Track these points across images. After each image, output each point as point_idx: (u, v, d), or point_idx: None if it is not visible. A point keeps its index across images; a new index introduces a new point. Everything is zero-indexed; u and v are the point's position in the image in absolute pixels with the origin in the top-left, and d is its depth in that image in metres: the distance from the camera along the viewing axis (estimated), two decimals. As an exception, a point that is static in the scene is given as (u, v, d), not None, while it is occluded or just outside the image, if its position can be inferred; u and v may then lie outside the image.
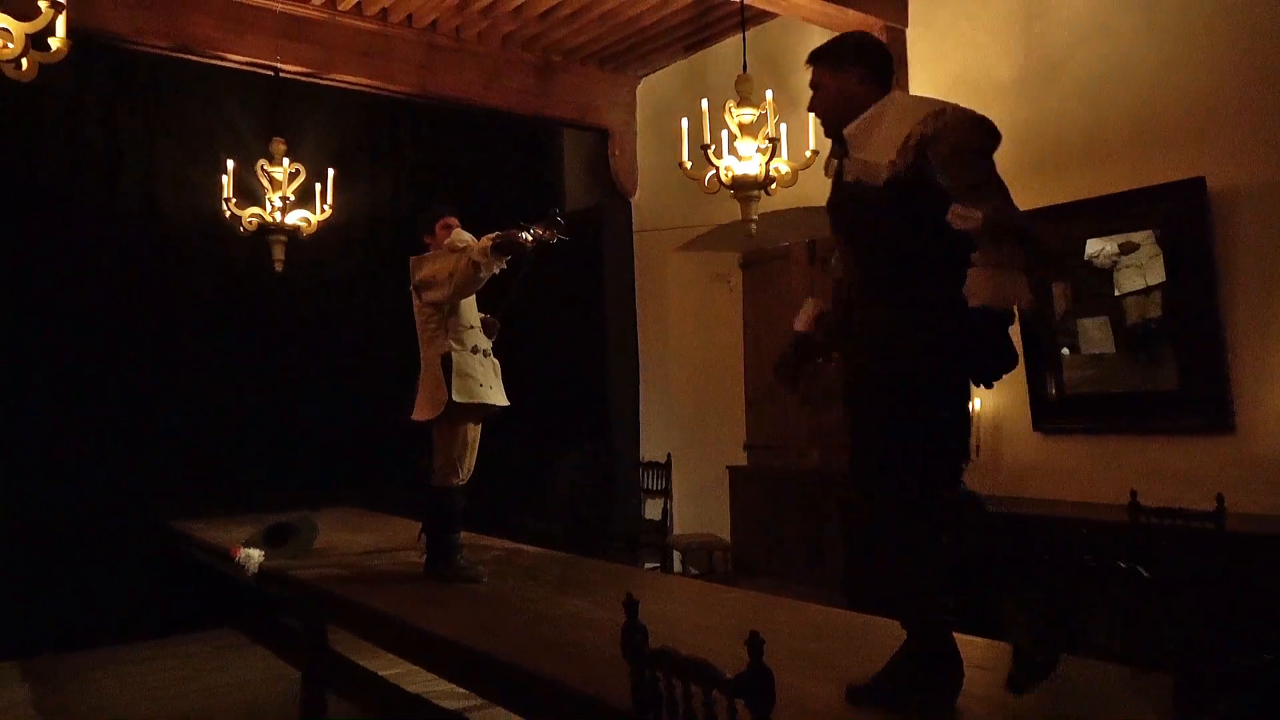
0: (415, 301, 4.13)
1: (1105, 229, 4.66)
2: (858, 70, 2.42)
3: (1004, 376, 2.21)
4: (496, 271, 3.94)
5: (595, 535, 6.86)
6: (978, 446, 5.03)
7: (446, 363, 3.96)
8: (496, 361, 4.19)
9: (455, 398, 3.90)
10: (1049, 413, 4.95)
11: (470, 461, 4.11)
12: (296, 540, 4.68)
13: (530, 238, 3.80)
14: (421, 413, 4.03)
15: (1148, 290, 4.57)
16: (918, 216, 2.19)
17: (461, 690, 3.65)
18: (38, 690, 4.86)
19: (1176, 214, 4.38)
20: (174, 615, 5.85)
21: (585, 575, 4.04)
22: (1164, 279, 4.47)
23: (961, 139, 2.21)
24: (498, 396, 4.07)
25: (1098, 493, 4.57)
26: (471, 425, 4.10)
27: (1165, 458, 4.41)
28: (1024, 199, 4.99)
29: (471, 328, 4.13)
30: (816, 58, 2.49)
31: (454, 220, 4.19)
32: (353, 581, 3.98)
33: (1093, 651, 2.51)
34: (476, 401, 3.97)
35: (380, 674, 4.77)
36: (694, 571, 7.06)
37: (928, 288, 2.17)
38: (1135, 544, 3.59)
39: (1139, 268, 4.61)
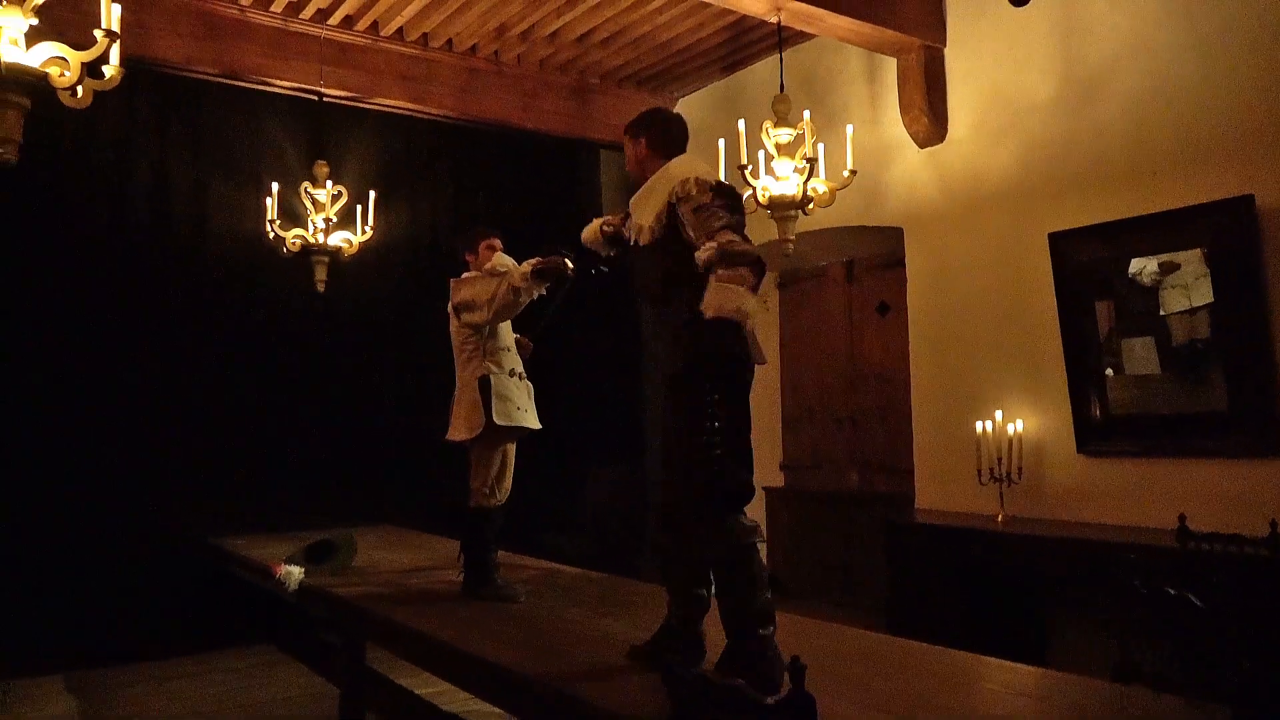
0: (453, 322, 4.16)
1: (1150, 248, 4.59)
2: (645, 139, 3.00)
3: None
4: (535, 297, 3.99)
5: (629, 555, 6.84)
6: (1019, 468, 4.95)
7: (485, 385, 4.00)
8: (530, 384, 4.24)
9: (496, 420, 3.95)
10: (1093, 434, 4.86)
11: (507, 482, 4.16)
12: (336, 558, 4.72)
13: (571, 266, 3.85)
14: (458, 433, 4.07)
15: (1195, 310, 4.48)
16: (676, 261, 2.76)
17: (499, 711, 3.64)
18: (83, 703, 4.94)
19: (1224, 232, 4.30)
20: (216, 631, 5.92)
21: (623, 596, 4.03)
22: (1212, 298, 4.39)
23: (699, 200, 2.73)
24: (532, 419, 4.14)
25: (1144, 517, 4.48)
26: (508, 446, 4.15)
27: (1214, 481, 4.31)
28: (1065, 217, 4.98)
29: (508, 350, 4.16)
30: (625, 127, 3.14)
31: (497, 241, 4.24)
32: (392, 600, 4.01)
33: (1145, 681, 2.44)
34: (515, 424, 4.02)
35: (418, 693, 4.79)
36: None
37: (683, 309, 2.71)
38: (1185, 570, 3.50)
39: (1185, 287, 4.53)
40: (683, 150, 2.99)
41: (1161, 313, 4.59)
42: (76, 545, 5.55)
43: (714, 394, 2.57)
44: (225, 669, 5.59)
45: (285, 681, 5.37)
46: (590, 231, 3.40)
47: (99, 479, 5.69)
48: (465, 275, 4.22)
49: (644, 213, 2.85)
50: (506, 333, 4.20)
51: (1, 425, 5.42)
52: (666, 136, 2.99)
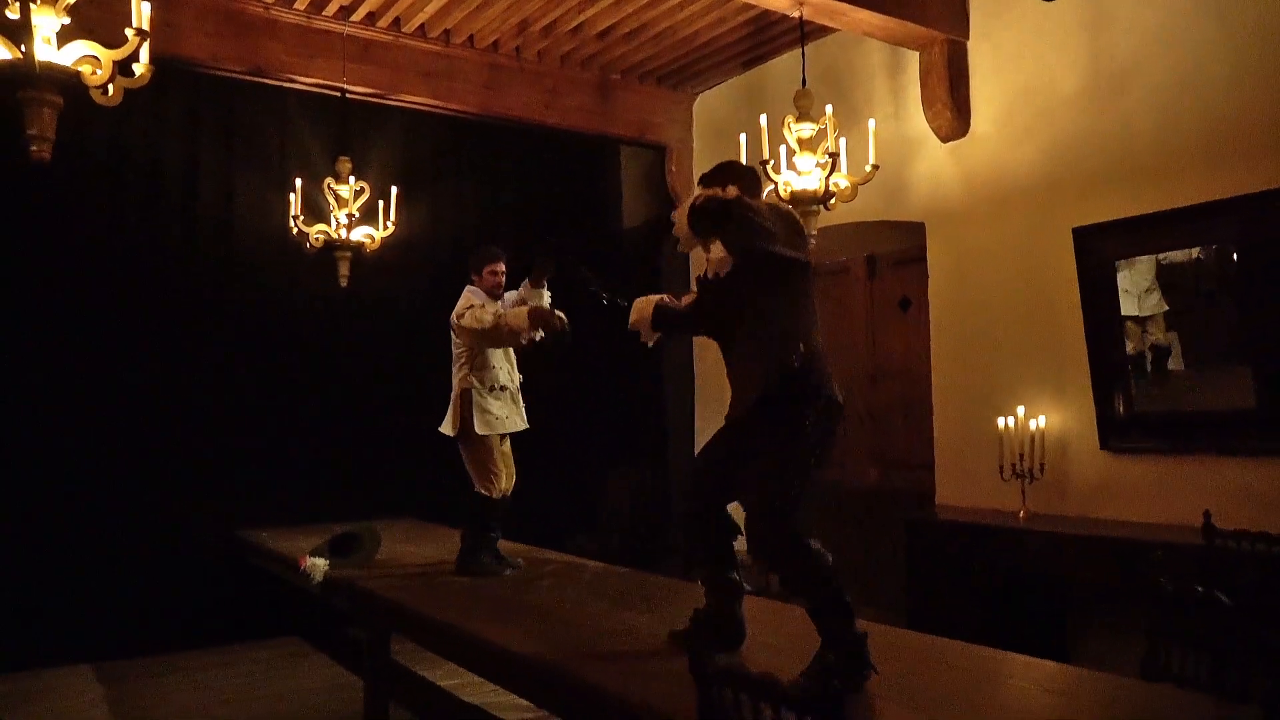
0: (453, 331, 4.49)
1: (1178, 242, 4.55)
2: (736, 186, 2.86)
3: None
4: (536, 338, 4.31)
5: (651, 552, 6.85)
6: (1042, 465, 4.92)
7: (466, 398, 4.42)
8: (514, 390, 4.59)
9: (477, 430, 4.39)
10: (1117, 432, 4.82)
11: (504, 474, 4.50)
12: (360, 551, 4.76)
13: (561, 323, 4.18)
14: (446, 428, 4.52)
15: (1223, 305, 4.44)
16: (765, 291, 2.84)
17: (524, 702, 3.67)
18: (113, 692, 5.01)
19: (1253, 227, 4.25)
20: (242, 623, 6.00)
21: (646, 590, 4.04)
22: (1241, 294, 4.35)
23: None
24: (513, 424, 4.53)
25: (1169, 514, 4.45)
26: (495, 444, 4.49)
27: (1241, 479, 4.27)
28: (1090, 213, 4.95)
29: (494, 367, 4.50)
30: (702, 179, 3.07)
31: (500, 266, 4.55)
32: (416, 592, 4.04)
33: (1173, 680, 2.43)
34: (494, 433, 4.45)
35: (441, 684, 4.83)
36: (749, 588, 7.00)
37: (774, 340, 2.83)
38: (1211, 568, 3.48)
39: (1213, 282, 4.49)
40: (758, 196, 2.95)
41: (1188, 309, 4.55)
42: (105, 538, 5.63)
43: (807, 426, 2.68)
44: (251, 660, 5.66)
45: (310, 673, 5.43)
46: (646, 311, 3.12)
47: (128, 473, 5.76)
48: (469, 291, 4.51)
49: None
50: (495, 352, 4.53)
51: (33, 420, 5.51)
52: (741, 179, 2.96)
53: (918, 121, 5.77)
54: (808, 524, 2.71)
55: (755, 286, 2.72)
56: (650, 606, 3.64)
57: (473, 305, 4.37)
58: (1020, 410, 5.07)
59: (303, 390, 6.40)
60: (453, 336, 4.49)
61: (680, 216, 2.75)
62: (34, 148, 3.19)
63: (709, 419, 7.56)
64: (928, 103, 5.61)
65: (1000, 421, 5.09)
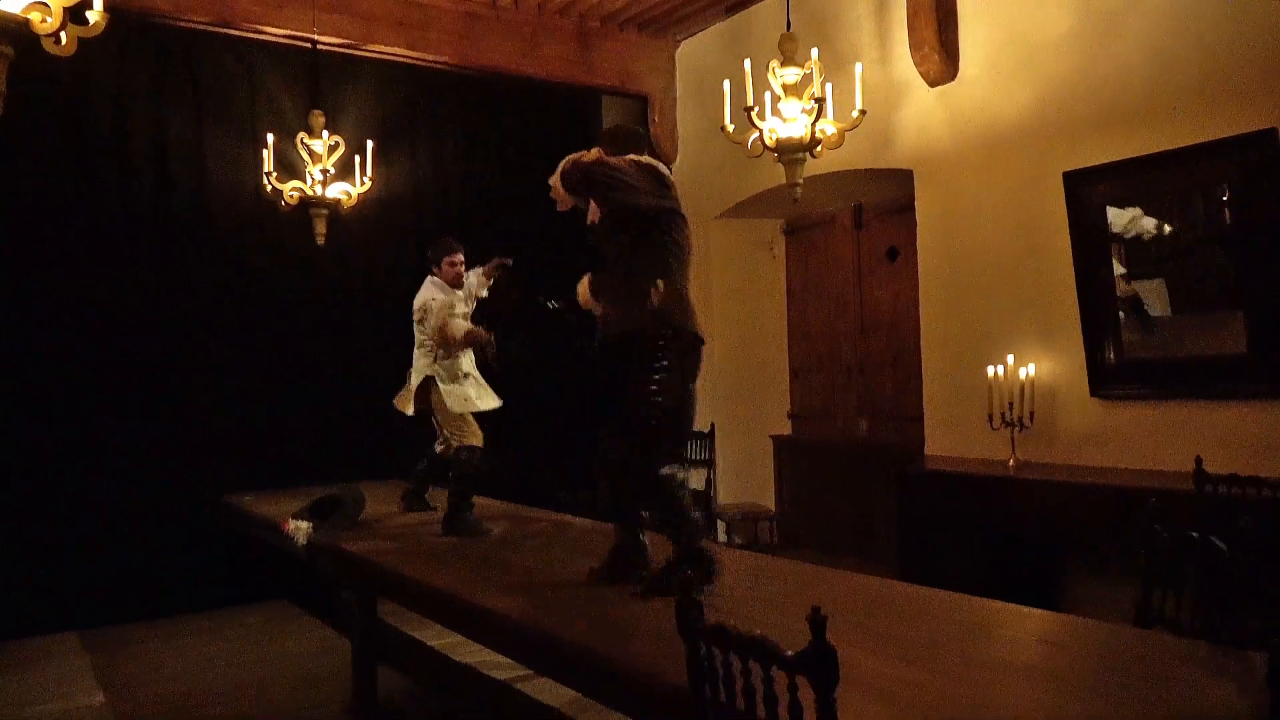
0: (417, 317, 4.66)
1: (1169, 185, 4.47)
2: (600, 148, 3.19)
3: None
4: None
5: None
6: (1031, 413, 4.89)
7: (429, 384, 4.62)
8: (478, 375, 4.74)
9: (452, 409, 4.58)
10: (1107, 378, 4.79)
11: (474, 433, 4.64)
12: (344, 513, 4.70)
13: (498, 354, 4.50)
14: (406, 406, 4.71)
15: (1215, 249, 4.38)
16: (622, 233, 3.17)
17: (509, 661, 3.64)
18: (98, 659, 4.98)
19: (1246, 168, 4.17)
20: (228, 588, 5.96)
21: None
22: (1233, 237, 4.28)
23: None
24: (488, 403, 4.69)
25: (1159, 460, 4.43)
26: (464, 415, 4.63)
27: (1233, 425, 4.25)
28: (1081, 156, 4.86)
29: (458, 356, 4.64)
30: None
31: (458, 257, 4.72)
32: (401, 554, 3.99)
33: (1168, 627, 2.41)
34: (468, 410, 4.62)
35: (430, 644, 4.81)
36: (738, 542, 7.02)
37: (631, 277, 3.15)
38: (1203, 514, 3.46)
39: (1205, 225, 4.43)
40: (635, 153, 3.18)
41: (1178, 253, 4.49)
42: (89, 505, 5.57)
43: (661, 360, 2.96)
44: (239, 624, 5.63)
45: (299, 635, 5.40)
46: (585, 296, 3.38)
47: (110, 440, 5.69)
48: (432, 283, 4.68)
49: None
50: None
51: (12, 390, 5.40)
52: (615, 141, 3.24)
53: (905, 66, 5.65)
54: (673, 451, 3.08)
55: (623, 233, 3.05)
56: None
57: (447, 308, 4.57)
58: (1010, 359, 5.02)
59: (283, 352, 6.29)
60: (417, 324, 4.65)
61: (555, 180, 3.09)
62: (-16, 101, 3.04)
63: (697, 381, 7.51)
64: (915, 46, 5.48)
65: (989, 371, 5.05)
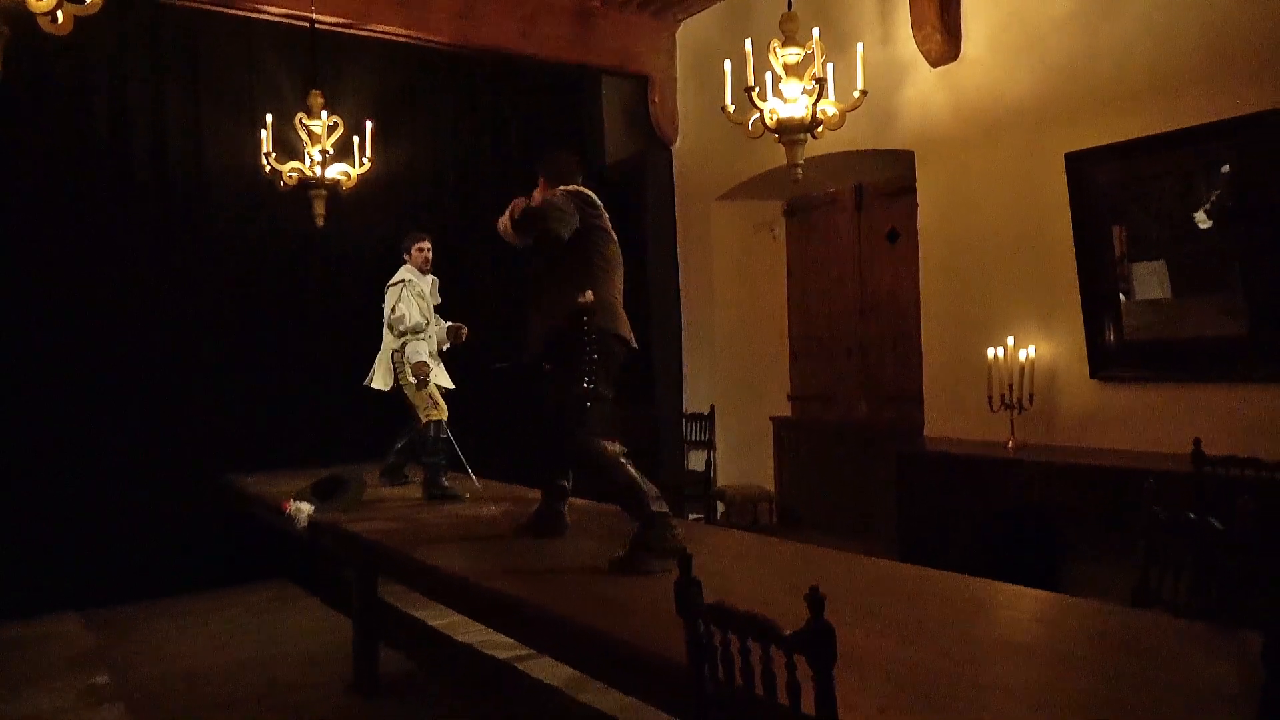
0: (389, 301, 5.12)
1: (1173, 166, 4.45)
2: (542, 178, 3.78)
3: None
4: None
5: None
6: (1031, 395, 4.90)
7: (396, 358, 5.09)
8: (439, 357, 5.25)
9: (413, 382, 5.04)
10: (1107, 360, 4.79)
11: (438, 402, 5.08)
12: (344, 493, 4.72)
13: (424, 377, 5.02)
14: (378, 383, 5.16)
15: (1217, 231, 4.37)
16: (551, 256, 3.62)
17: (510, 641, 3.67)
18: (102, 638, 5.01)
19: (1250, 149, 4.15)
20: (231, 567, 5.98)
21: (630, 528, 4.01)
22: (1236, 219, 4.27)
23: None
24: (443, 381, 5.19)
25: (1159, 442, 4.44)
26: (429, 389, 5.07)
27: (1232, 406, 4.25)
28: (1083, 137, 4.84)
29: (419, 336, 5.11)
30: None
31: (425, 244, 5.30)
32: (401, 534, 4.00)
33: (1165, 607, 2.42)
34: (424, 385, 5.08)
35: (432, 624, 4.84)
36: (738, 523, 7.04)
37: (557, 293, 3.57)
38: (1201, 495, 3.47)
39: (1207, 207, 4.41)
40: (573, 181, 3.69)
41: (1182, 234, 4.47)
42: (92, 486, 5.57)
43: (590, 357, 3.36)
44: (241, 604, 5.66)
45: (301, 615, 5.43)
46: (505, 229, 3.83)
47: (112, 421, 5.69)
48: (404, 270, 5.20)
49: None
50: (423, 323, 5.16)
51: (14, 366, 5.39)
52: (555, 172, 3.74)
53: (907, 45, 5.61)
54: (604, 430, 3.40)
55: (553, 251, 3.51)
56: (609, 536, 3.61)
57: (404, 289, 5.12)
58: (1010, 340, 5.02)
59: (283, 333, 6.29)
60: (387, 305, 5.12)
61: (504, 225, 3.60)
62: (-20, 79, 3.02)
63: (698, 363, 7.52)
64: (917, 25, 5.44)
65: (990, 352, 5.05)
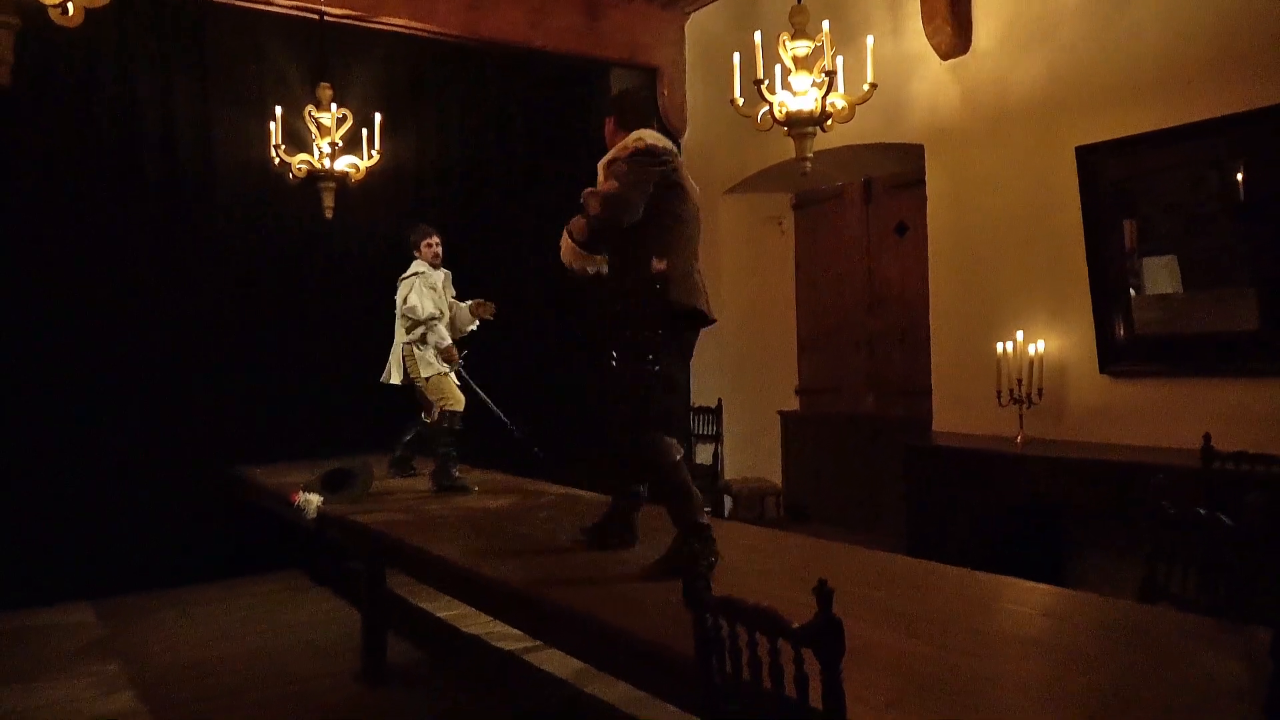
0: (401, 294, 5.12)
1: (1184, 160, 4.43)
2: (612, 118, 3.35)
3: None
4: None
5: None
6: (1040, 390, 4.88)
7: (409, 352, 5.09)
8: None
9: (423, 373, 5.09)
10: (1117, 355, 4.77)
11: (452, 393, 5.09)
12: (353, 485, 4.74)
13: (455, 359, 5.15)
14: (390, 378, 5.16)
15: (1228, 225, 4.35)
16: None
17: (517, 632, 3.68)
18: (112, 627, 5.04)
19: (1262, 143, 4.13)
20: (240, 558, 6.00)
21: (641, 520, 4.02)
22: (1247, 213, 4.25)
23: (615, 157, 3.15)
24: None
25: (1168, 437, 4.43)
26: (442, 380, 5.09)
27: (1244, 401, 4.23)
28: (1094, 131, 4.81)
29: (432, 329, 5.09)
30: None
31: (435, 239, 5.27)
32: (409, 526, 4.02)
33: (1173, 602, 2.42)
34: (436, 373, 5.10)
35: (439, 615, 4.87)
36: (745, 517, 7.05)
37: (630, 266, 3.16)
38: (1211, 490, 3.45)
39: (1218, 200, 4.38)
40: (645, 124, 3.27)
41: (1192, 229, 4.46)
42: (103, 476, 5.60)
43: (656, 334, 3.00)
44: (250, 594, 5.69)
45: (310, 606, 5.46)
46: (568, 252, 3.43)
47: (123, 411, 5.71)
48: (416, 263, 5.18)
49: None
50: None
51: (23, 358, 5.42)
52: (625, 112, 3.34)
53: (917, 38, 5.59)
54: (669, 423, 3.11)
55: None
56: (645, 537, 3.62)
57: (417, 280, 5.11)
58: (1019, 335, 5.01)
59: (291, 325, 6.30)
60: (399, 298, 5.12)
61: (570, 254, 3.20)
62: (-8, 72, 3.04)
63: (705, 357, 7.50)
64: (927, 18, 5.42)
65: (999, 347, 5.04)
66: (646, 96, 3.47)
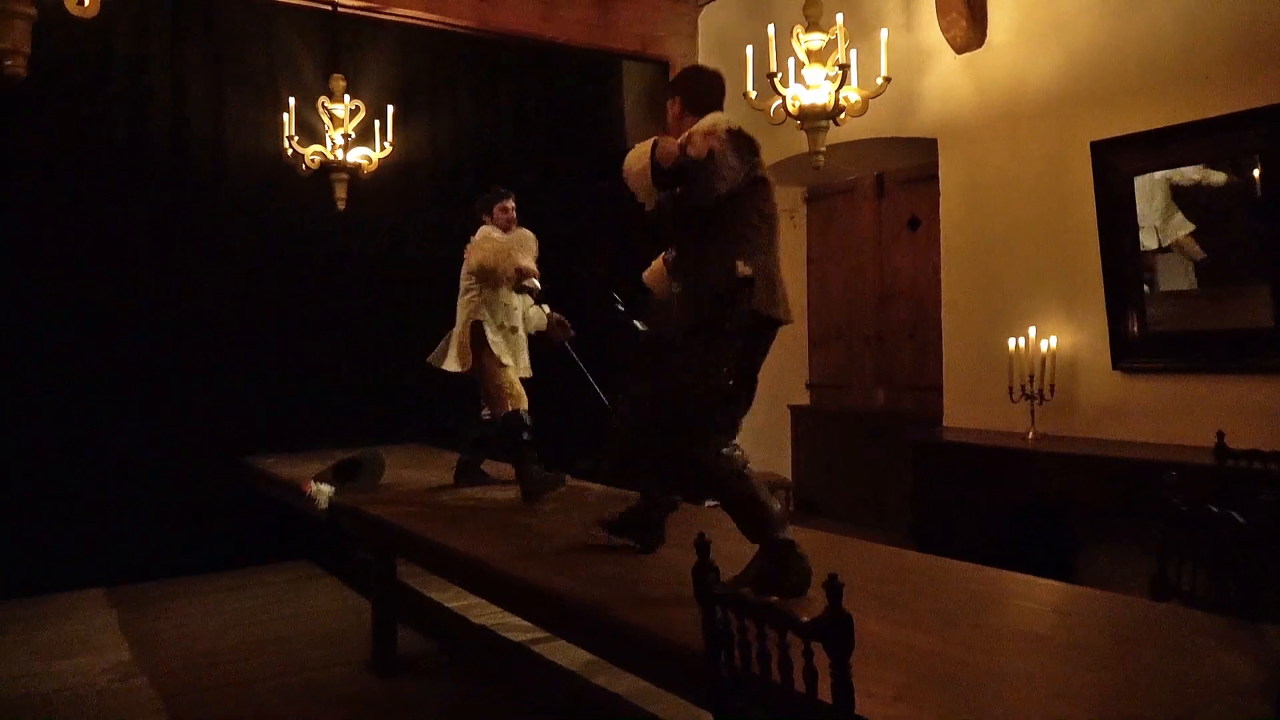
0: (468, 265, 4.51)
1: (1202, 155, 4.39)
2: (679, 98, 2.93)
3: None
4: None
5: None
6: (1052, 386, 4.87)
7: (478, 330, 4.46)
8: (523, 338, 4.68)
9: (495, 355, 4.44)
10: (1130, 351, 4.75)
11: (516, 389, 4.49)
12: (364, 475, 4.76)
13: (566, 335, 4.60)
14: (449, 364, 4.54)
15: (1243, 221, 4.31)
16: (696, 214, 2.75)
17: (527, 623, 3.69)
18: (124, 616, 5.08)
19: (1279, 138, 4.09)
20: (252, 548, 6.05)
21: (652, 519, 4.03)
22: (1263, 209, 4.21)
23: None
24: (522, 369, 4.61)
25: (1181, 434, 4.40)
26: (505, 371, 4.50)
27: (1257, 399, 4.21)
28: (1109, 125, 4.78)
29: (504, 305, 4.55)
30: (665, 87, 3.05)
31: (509, 204, 4.65)
32: (420, 517, 4.04)
33: (1183, 600, 2.41)
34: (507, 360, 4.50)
35: (449, 605, 4.89)
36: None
37: (700, 263, 2.79)
38: (1223, 488, 3.44)
39: (1233, 197, 4.35)
40: (717, 108, 2.89)
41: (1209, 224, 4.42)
42: (117, 464, 5.64)
43: (733, 343, 2.66)
44: (262, 584, 5.73)
45: (320, 595, 5.49)
46: (655, 274, 3.22)
47: (133, 401, 5.75)
48: (486, 227, 4.59)
49: None
50: (507, 292, 4.55)
51: (35, 348, 5.46)
52: (698, 93, 2.92)
53: (931, 32, 5.56)
54: (729, 435, 2.72)
55: (696, 212, 2.70)
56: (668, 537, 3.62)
57: (488, 241, 4.44)
58: (1031, 331, 4.99)
59: (302, 316, 6.32)
60: (463, 270, 4.55)
61: (638, 170, 2.64)
62: (7, 63, 3.07)
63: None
64: (942, 12, 5.39)
65: (1011, 342, 5.02)
66: (716, 78, 3.01)
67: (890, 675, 1.90)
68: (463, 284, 4.57)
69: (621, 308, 3.74)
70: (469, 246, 4.52)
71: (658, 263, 3.08)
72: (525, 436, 4.35)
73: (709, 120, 2.73)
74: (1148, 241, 4.66)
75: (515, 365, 4.53)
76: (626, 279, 3.68)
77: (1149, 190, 4.60)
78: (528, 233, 4.67)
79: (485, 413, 4.67)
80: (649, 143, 2.63)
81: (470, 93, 7.12)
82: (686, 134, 2.65)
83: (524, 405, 4.45)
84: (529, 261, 4.47)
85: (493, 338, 4.46)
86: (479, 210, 4.72)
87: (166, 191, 5.96)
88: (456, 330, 4.55)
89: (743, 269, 2.63)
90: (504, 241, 4.48)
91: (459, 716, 3.77)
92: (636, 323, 3.65)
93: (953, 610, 2.37)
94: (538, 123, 7.19)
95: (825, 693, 1.51)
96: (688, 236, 2.76)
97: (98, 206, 5.70)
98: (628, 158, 2.68)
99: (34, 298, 5.48)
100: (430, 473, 5.17)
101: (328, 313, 6.41)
